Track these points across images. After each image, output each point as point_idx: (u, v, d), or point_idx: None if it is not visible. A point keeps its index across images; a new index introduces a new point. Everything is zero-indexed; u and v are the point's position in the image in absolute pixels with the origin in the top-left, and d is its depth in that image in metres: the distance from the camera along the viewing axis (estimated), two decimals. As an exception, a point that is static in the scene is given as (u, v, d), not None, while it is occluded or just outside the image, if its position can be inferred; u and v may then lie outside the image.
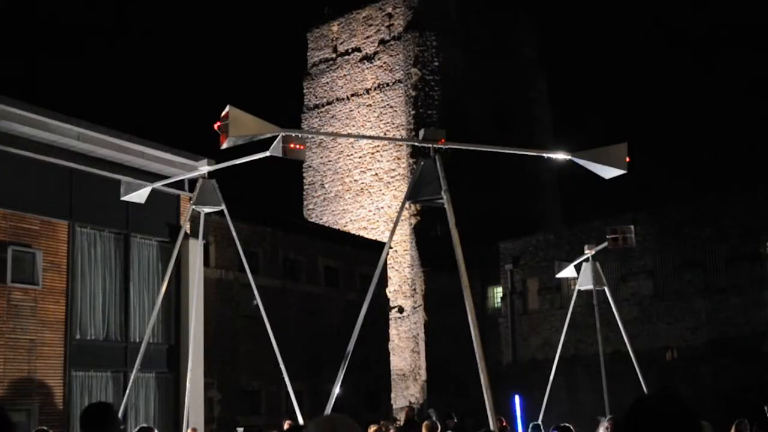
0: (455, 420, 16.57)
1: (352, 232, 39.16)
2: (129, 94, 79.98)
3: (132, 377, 12.26)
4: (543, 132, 43.70)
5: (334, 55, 44.50)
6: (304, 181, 44.79)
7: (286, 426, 15.13)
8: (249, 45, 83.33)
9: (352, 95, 43.15)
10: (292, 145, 9.48)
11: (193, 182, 15.73)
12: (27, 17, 74.83)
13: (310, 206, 44.15)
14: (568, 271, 16.42)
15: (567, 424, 9.34)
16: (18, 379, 16.67)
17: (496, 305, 35.77)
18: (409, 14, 40.97)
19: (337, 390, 9.40)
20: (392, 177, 40.83)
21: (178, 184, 18.78)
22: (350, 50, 43.73)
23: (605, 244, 14.72)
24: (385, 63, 42.09)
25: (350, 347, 9.12)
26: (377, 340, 30.21)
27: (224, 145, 8.40)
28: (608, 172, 8.96)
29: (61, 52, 77.19)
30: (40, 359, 17.09)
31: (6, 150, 16.69)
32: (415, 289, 37.83)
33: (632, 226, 14.77)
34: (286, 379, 12.21)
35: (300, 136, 9.96)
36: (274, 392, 25.91)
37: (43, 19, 76.88)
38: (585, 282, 15.71)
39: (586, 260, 15.68)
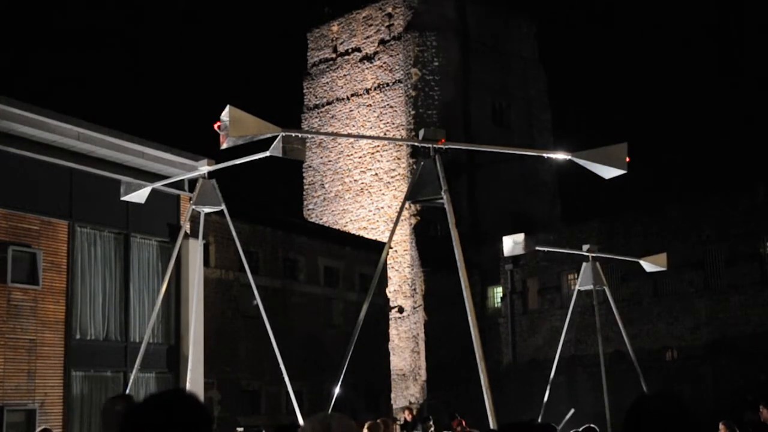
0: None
1: (352, 232, 39.13)
2: (129, 94, 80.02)
3: (132, 377, 12.24)
4: (543, 132, 43.71)
5: (334, 55, 44.48)
6: (304, 181, 44.78)
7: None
8: (249, 45, 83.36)
9: (352, 95, 43.14)
10: (292, 145, 9.47)
11: (193, 182, 15.72)
12: (27, 16, 74.87)
13: (310, 206, 44.15)
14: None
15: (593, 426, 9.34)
16: (18, 379, 16.66)
17: (496, 305, 35.77)
18: (409, 14, 40.96)
19: (337, 390, 9.40)
20: (392, 177, 40.82)
21: (178, 184, 18.75)
22: (350, 50, 43.71)
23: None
24: (385, 63, 42.08)
25: (350, 347, 9.12)
26: (377, 340, 30.19)
27: (224, 145, 8.38)
28: (608, 172, 8.94)
29: (61, 52, 77.22)
30: (40, 359, 17.07)
31: (6, 150, 16.68)
32: (415, 289, 37.81)
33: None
34: (286, 379, 12.19)
35: (300, 136, 9.94)
36: (274, 392, 25.90)
37: (43, 19, 76.91)
38: (585, 282, 15.68)
39: (586, 260, 15.66)
